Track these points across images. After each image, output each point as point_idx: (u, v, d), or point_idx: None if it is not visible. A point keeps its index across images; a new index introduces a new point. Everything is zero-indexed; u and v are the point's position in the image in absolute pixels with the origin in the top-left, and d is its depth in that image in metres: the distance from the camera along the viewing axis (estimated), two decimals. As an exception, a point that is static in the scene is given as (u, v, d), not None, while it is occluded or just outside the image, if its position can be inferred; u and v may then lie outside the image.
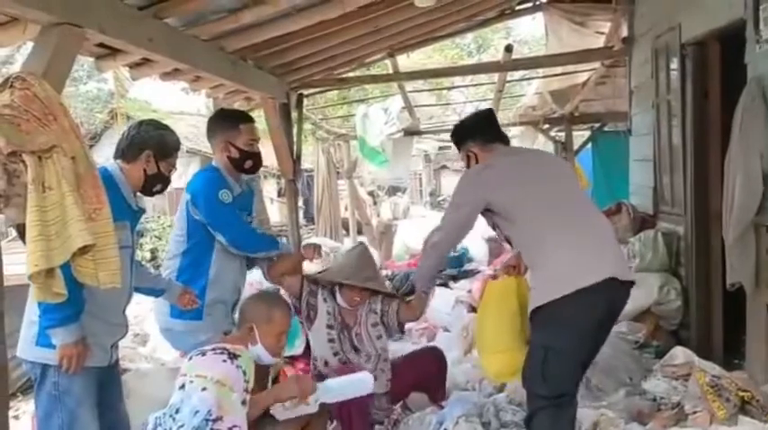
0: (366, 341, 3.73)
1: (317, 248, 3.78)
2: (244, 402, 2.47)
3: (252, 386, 2.55)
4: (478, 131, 3.33)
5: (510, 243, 3.26)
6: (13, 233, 3.60)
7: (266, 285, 5.69)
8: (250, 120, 3.60)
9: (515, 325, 3.28)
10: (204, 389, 2.35)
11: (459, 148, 3.41)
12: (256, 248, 3.53)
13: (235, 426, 2.37)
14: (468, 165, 3.32)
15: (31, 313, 2.68)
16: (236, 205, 3.45)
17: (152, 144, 2.94)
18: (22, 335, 2.73)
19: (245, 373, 2.49)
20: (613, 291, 2.91)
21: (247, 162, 3.51)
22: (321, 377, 3.68)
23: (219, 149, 3.51)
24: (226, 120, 3.59)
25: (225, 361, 2.46)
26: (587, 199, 3.26)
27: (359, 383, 3.03)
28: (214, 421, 2.30)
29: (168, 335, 3.55)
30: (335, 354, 3.69)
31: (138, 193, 3.04)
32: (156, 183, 3.01)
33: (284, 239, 3.88)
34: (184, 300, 3.29)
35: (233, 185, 3.49)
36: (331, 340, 3.70)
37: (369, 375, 3.07)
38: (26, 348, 2.72)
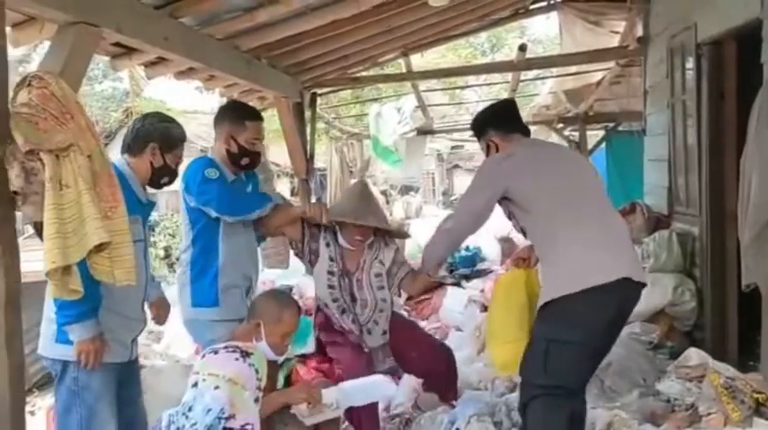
0: (366, 288, 3.63)
1: (323, 207, 3.65)
2: (256, 400, 2.48)
3: (264, 384, 2.56)
4: (500, 121, 3.28)
5: (524, 234, 3.20)
6: (29, 230, 3.63)
7: (278, 284, 5.72)
8: (258, 118, 3.56)
9: (524, 316, 3.24)
10: (217, 387, 2.36)
11: (479, 138, 3.37)
12: (248, 209, 3.42)
13: (247, 424, 2.38)
14: (487, 155, 3.28)
15: (50, 310, 2.70)
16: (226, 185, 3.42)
17: (157, 136, 2.93)
18: (42, 333, 2.75)
19: (257, 372, 2.50)
20: (626, 291, 2.90)
21: (244, 159, 3.47)
22: (326, 317, 3.67)
23: (221, 140, 3.47)
24: (234, 113, 3.53)
25: (237, 359, 2.48)
26: (605, 197, 3.18)
27: (379, 386, 3.03)
28: (227, 419, 2.32)
29: (190, 326, 3.53)
30: (335, 301, 3.62)
31: (147, 187, 3.04)
32: (163, 175, 3.01)
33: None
34: (153, 309, 3.29)
35: (226, 174, 3.45)
36: (331, 286, 3.61)
37: (389, 379, 3.07)
38: (46, 345, 2.74)
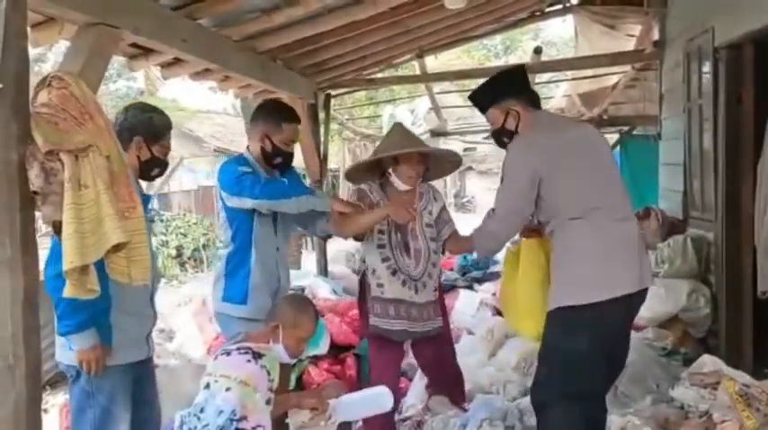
0: (420, 237, 3.56)
1: (410, 208, 3.45)
2: (268, 401, 2.49)
3: (276, 385, 2.57)
4: (522, 88, 3.08)
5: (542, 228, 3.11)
6: (44, 229, 3.65)
7: (293, 285, 5.73)
8: (294, 120, 3.56)
9: (546, 286, 3.10)
10: (228, 389, 2.37)
11: (488, 107, 3.11)
12: (284, 194, 3.34)
13: (259, 426, 2.38)
14: (502, 127, 3.07)
15: None
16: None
17: (141, 129, 2.85)
18: (57, 340, 2.75)
19: (269, 373, 2.50)
20: (634, 300, 2.90)
21: (277, 158, 3.50)
22: (373, 302, 3.56)
23: (257, 138, 3.49)
24: (271, 114, 3.54)
25: (249, 361, 2.48)
26: (623, 191, 3.07)
27: (377, 399, 3.03)
28: (238, 421, 2.32)
29: (218, 318, 3.60)
30: (385, 260, 3.51)
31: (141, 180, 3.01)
32: (152, 167, 2.95)
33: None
34: None
35: (259, 171, 3.47)
36: (381, 246, 3.53)
37: (387, 391, 3.07)
38: (61, 352, 2.75)
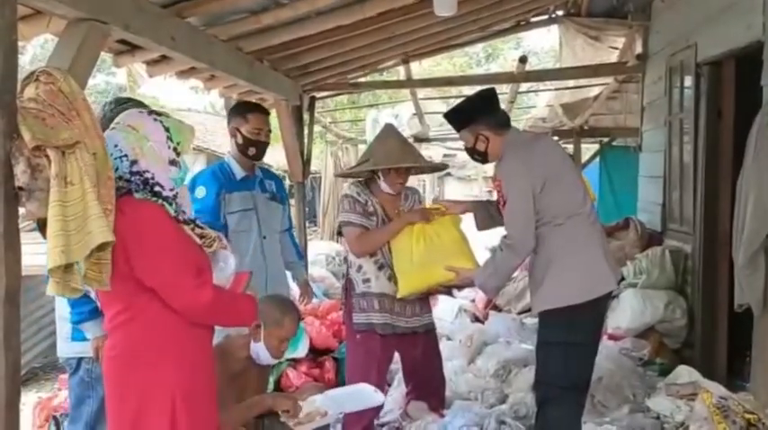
0: None
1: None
2: (173, 162, 2.34)
3: (183, 148, 2.39)
4: (490, 112, 3.19)
5: None
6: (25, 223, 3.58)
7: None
8: (258, 110, 3.80)
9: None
10: (113, 128, 2.30)
11: (460, 129, 3.26)
12: None
13: (147, 171, 2.28)
14: (473, 147, 3.21)
15: (63, 309, 2.68)
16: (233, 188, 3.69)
17: None
18: (58, 333, 2.75)
19: (167, 130, 2.34)
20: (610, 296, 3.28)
21: (250, 149, 3.69)
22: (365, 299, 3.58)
23: (230, 135, 3.76)
24: (237, 110, 3.84)
25: (141, 112, 2.39)
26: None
27: (365, 395, 3.03)
28: (131, 163, 2.25)
29: None
30: (372, 256, 3.56)
31: None
32: None
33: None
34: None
35: (236, 172, 3.72)
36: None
37: (372, 387, 3.06)
38: (62, 346, 2.75)
